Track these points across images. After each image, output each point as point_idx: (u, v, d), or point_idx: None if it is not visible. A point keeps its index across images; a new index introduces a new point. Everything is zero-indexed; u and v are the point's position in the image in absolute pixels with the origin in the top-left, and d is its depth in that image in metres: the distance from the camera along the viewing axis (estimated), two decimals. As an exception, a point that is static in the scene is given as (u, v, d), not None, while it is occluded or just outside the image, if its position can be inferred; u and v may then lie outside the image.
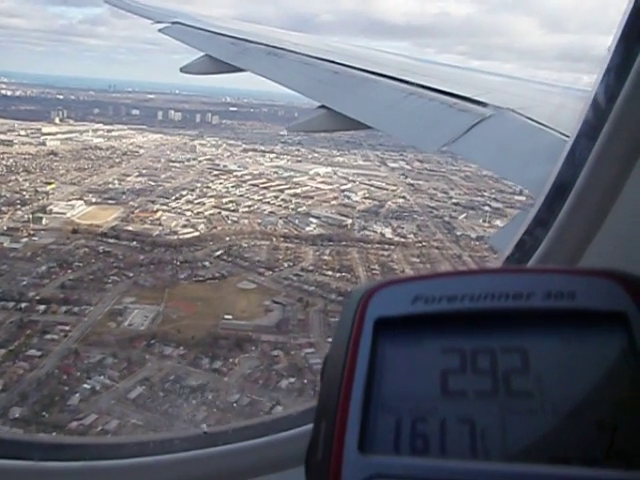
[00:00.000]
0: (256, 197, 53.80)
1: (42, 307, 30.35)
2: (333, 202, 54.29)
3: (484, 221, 51.51)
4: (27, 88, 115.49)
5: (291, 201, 53.30)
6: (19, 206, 44.63)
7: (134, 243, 40.38)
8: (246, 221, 47.31)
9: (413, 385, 0.65)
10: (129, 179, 56.15)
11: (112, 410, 22.59)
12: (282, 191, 56.14)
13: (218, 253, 40.11)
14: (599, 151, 1.29)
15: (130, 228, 42.83)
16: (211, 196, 52.42)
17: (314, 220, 48.56)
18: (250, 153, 72.74)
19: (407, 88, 3.71)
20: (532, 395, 0.61)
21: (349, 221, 48.76)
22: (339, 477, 0.59)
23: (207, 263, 38.15)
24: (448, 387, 0.64)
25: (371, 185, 60.58)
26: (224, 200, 51.70)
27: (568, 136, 1.79)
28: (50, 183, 51.28)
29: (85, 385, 24.18)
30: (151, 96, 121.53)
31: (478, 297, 0.69)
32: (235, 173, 61.16)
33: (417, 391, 0.65)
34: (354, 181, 61.77)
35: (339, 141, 76.90)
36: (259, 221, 47.80)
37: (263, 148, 76.60)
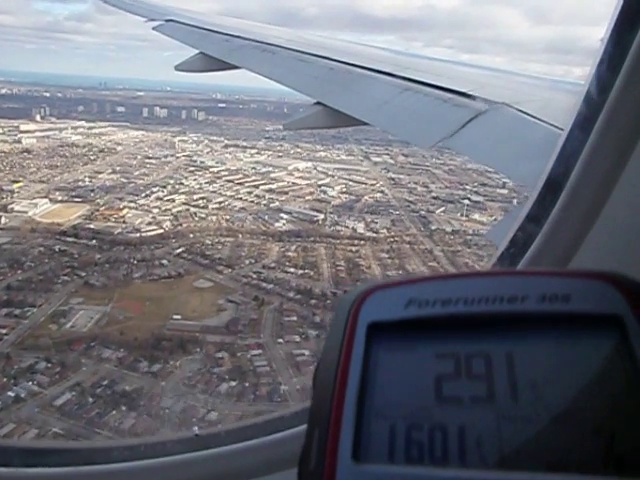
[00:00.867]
0: (229, 193, 52.61)
1: (-20, 310, 29.14)
2: (308, 197, 53.00)
3: (462, 215, 50.15)
4: (14, 86, 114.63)
5: (264, 197, 52.07)
6: (-20, 205, 43.73)
7: (93, 242, 39.27)
8: (214, 218, 46.12)
9: (407, 391, 0.64)
10: (101, 176, 55.08)
11: (33, 419, 21.40)
12: (257, 187, 54.91)
13: (179, 251, 38.91)
14: (593, 144, 1.28)
15: (92, 226, 41.74)
16: (182, 193, 51.25)
17: (285, 216, 47.33)
18: (231, 149, 71.41)
19: (402, 84, 3.70)
20: (528, 401, 0.60)
21: (321, 216, 47.48)
22: None
23: (165, 261, 36.96)
24: (443, 393, 0.62)
25: (350, 180, 59.24)
26: (195, 197, 50.51)
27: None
28: (17, 181, 50.29)
29: (10, 393, 22.95)
30: (140, 93, 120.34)
31: (472, 301, 0.68)
32: (212, 169, 59.98)
33: (411, 397, 0.63)
34: (333, 176, 60.49)
35: (325, 136, 75.25)
36: (228, 217, 46.59)
37: (245, 144, 75.33)
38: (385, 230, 45.27)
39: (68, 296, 31.26)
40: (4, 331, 27.38)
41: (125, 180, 54.08)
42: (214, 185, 54.67)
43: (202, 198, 50.43)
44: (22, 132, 68.10)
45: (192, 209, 47.50)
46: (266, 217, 46.85)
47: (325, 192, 54.67)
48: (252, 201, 50.99)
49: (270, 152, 71.64)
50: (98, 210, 45.24)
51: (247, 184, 55.56)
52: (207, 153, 68.50)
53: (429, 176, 62.26)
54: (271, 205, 50.25)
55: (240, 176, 58.10)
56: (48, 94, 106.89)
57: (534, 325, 0.65)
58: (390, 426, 0.60)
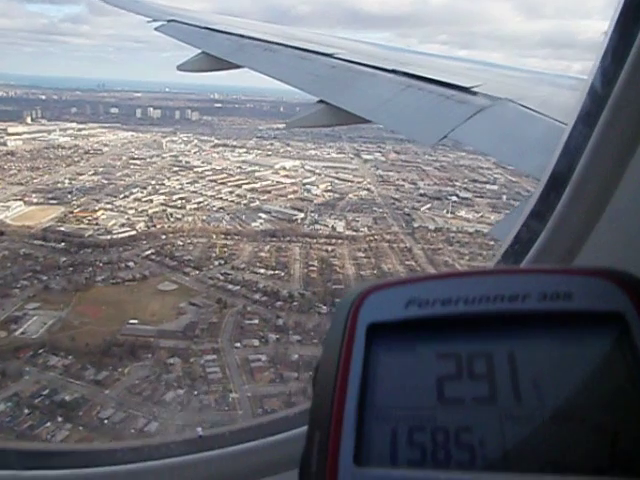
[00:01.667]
0: (210, 193, 51.54)
1: None
2: (291, 196, 51.78)
3: (447, 212, 48.65)
4: (11, 89, 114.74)
5: (246, 196, 50.94)
6: (-48, 209, 43.00)
7: (62, 244, 38.30)
8: (190, 218, 45.01)
9: (408, 393, 0.63)
10: (81, 178, 54.27)
11: (-41, 432, 20.34)
12: (240, 186, 53.82)
13: (147, 253, 37.81)
14: (597, 138, 1.26)
15: (63, 229, 40.77)
16: (162, 193, 50.24)
17: (263, 215, 46.14)
18: (220, 148, 70.46)
19: (405, 80, 3.68)
20: (531, 400, 0.59)
21: (301, 215, 46.24)
22: None
23: (131, 264, 35.85)
24: (444, 394, 0.62)
25: (337, 178, 57.95)
26: (174, 197, 49.47)
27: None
28: (-6, 184, 49.57)
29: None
30: (138, 94, 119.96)
31: (473, 300, 0.67)
32: (196, 169, 59.00)
33: (413, 399, 0.62)
34: (320, 174, 59.22)
35: (318, 134, 74.15)
36: (204, 218, 45.47)
37: (235, 143, 74.33)
38: (366, 228, 43.96)
39: (24, 301, 30.25)
40: (-50, 339, 26.39)
41: (105, 181, 53.22)
42: (196, 185, 53.69)
43: (181, 198, 49.42)
44: (9, 134, 67.62)
45: (169, 210, 46.47)
46: (243, 217, 45.70)
47: (309, 190, 53.48)
48: (232, 201, 49.89)
49: (259, 151, 70.59)
50: (72, 212, 44.34)
51: (230, 184, 54.51)
52: (194, 153, 67.57)
53: (419, 173, 60.73)
54: (251, 205, 49.10)
55: (224, 176, 57.07)
56: (44, 97, 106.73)
57: (536, 324, 0.63)
58: (392, 428, 0.59)
